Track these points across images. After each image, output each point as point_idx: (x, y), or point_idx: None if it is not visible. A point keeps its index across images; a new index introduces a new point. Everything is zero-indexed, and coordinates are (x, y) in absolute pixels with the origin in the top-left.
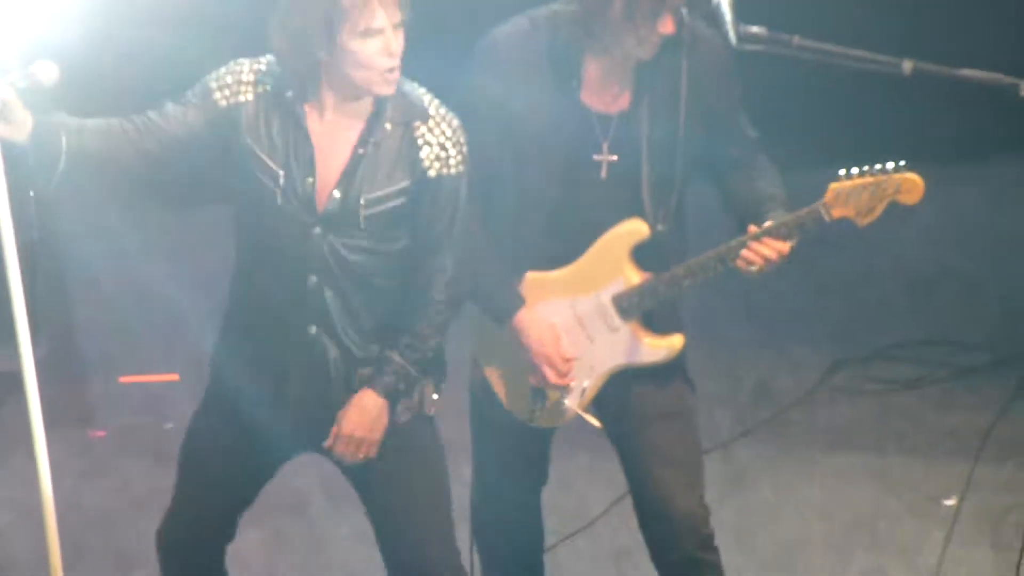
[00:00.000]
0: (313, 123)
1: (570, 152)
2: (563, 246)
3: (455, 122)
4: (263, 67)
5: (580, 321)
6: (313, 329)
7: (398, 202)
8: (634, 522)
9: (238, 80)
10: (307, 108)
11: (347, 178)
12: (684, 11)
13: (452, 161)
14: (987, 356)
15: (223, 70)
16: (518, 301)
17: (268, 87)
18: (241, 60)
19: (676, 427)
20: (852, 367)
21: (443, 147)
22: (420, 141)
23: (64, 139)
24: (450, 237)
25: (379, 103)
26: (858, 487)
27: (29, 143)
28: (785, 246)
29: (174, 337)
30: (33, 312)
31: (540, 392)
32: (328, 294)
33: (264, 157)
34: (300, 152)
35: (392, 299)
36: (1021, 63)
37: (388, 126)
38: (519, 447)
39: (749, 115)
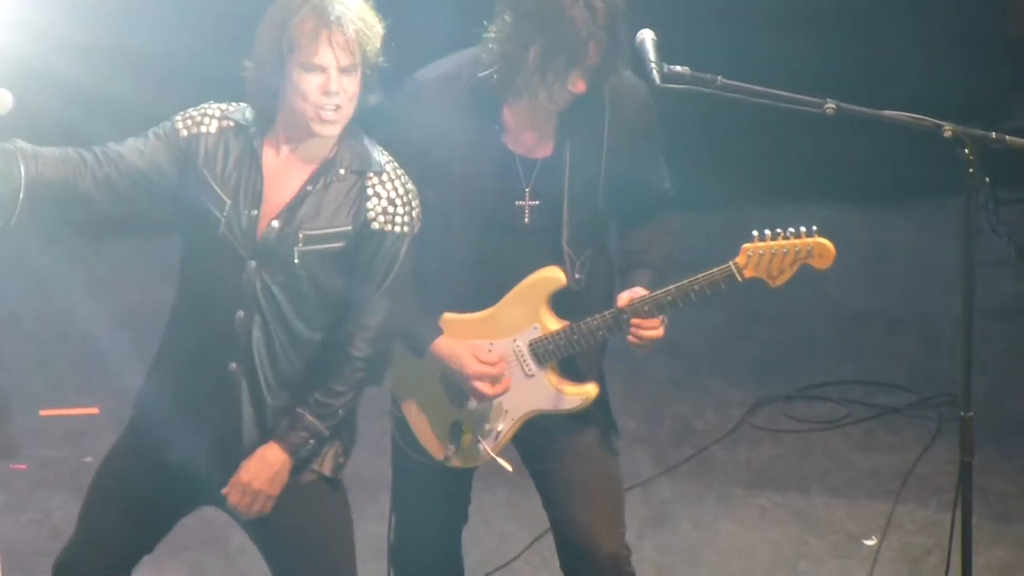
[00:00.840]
0: (268, 158)
1: (493, 196)
2: (483, 289)
3: (409, 185)
4: (232, 108)
5: None
6: (233, 366)
7: (336, 245)
8: (555, 560)
9: (203, 113)
10: (266, 144)
11: (289, 211)
12: (602, 66)
13: (398, 220)
14: (909, 396)
15: (191, 108)
16: (436, 331)
17: (231, 123)
18: (211, 102)
19: (596, 467)
20: (774, 405)
21: (392, 202)
22: (370, 191)
23: (23, 167)
24: (379, 296)
25: (337, 148)
26: (780, 526)
27: None
28: (659, 330)
29: (94, 371)
30: None
31: (457, 433)
32: (254, 332)
33: (215, 186)
34: (250, 184)
35: (313, 352)
36: (943, 104)
37: (342, 171)
38: (439, 486)
39: (671, 152)
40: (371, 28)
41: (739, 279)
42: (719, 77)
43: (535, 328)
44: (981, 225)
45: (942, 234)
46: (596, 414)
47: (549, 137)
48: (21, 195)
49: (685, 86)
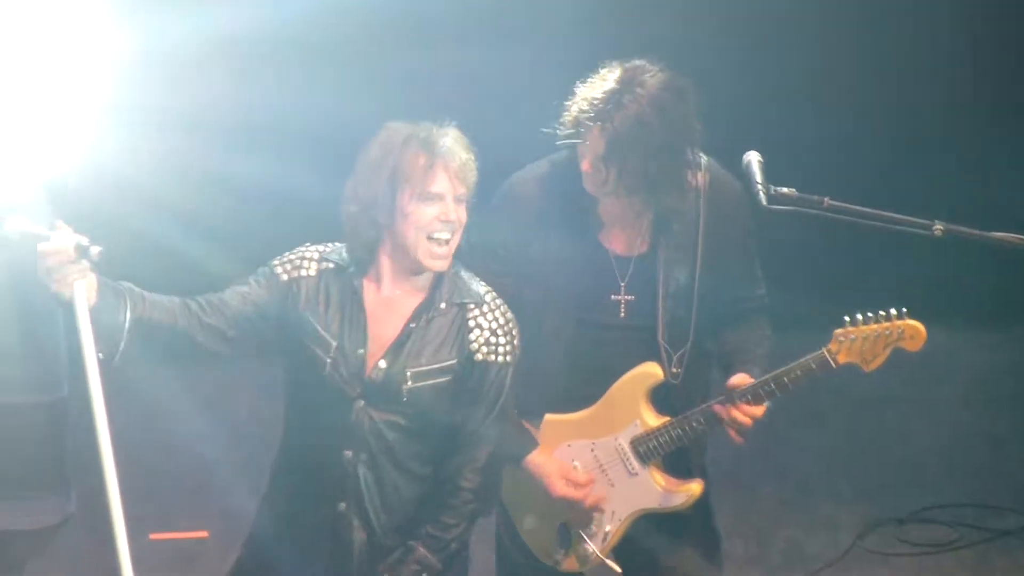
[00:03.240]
0: (370, 296)
1: (589, 292)
2: (582, 387)
3: (509, 314)
4: (328, 248)
5: (600, 465)
6: (343, 506)
7: (442, 379)
8: None
9: (301, 257)
10: (366, 282)
11: (395, 349)
12: (703, 158)
13: (501, 349)
14: (1021, 519)
15: (288, 252)
16: (532, 443)
17: (331, 264)
18: (308, 244)
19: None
20: (886, 528)
21: (494, 332)
22: (472, 323)
23: (129, 307)
24: (487, 427)
25: (437, 282)
26: None
27: (95, 304)
28: (758, 410)
29: (203, 493)
30: (63, 469)
31: (565, 536)
32: (362, 471)
33: (319, 327)
34: (354, 323)
35: (423, 486)
36: None
37: (443, 305)
38: None
39: (773, 269)
40: (472, 159)
41: (833, 365)
42: (826, 199)
43: (636, 425)
44: None
45: None
46: (701, 526)
47: (645, 235)
48: (125, 334)
49: (792, 207)
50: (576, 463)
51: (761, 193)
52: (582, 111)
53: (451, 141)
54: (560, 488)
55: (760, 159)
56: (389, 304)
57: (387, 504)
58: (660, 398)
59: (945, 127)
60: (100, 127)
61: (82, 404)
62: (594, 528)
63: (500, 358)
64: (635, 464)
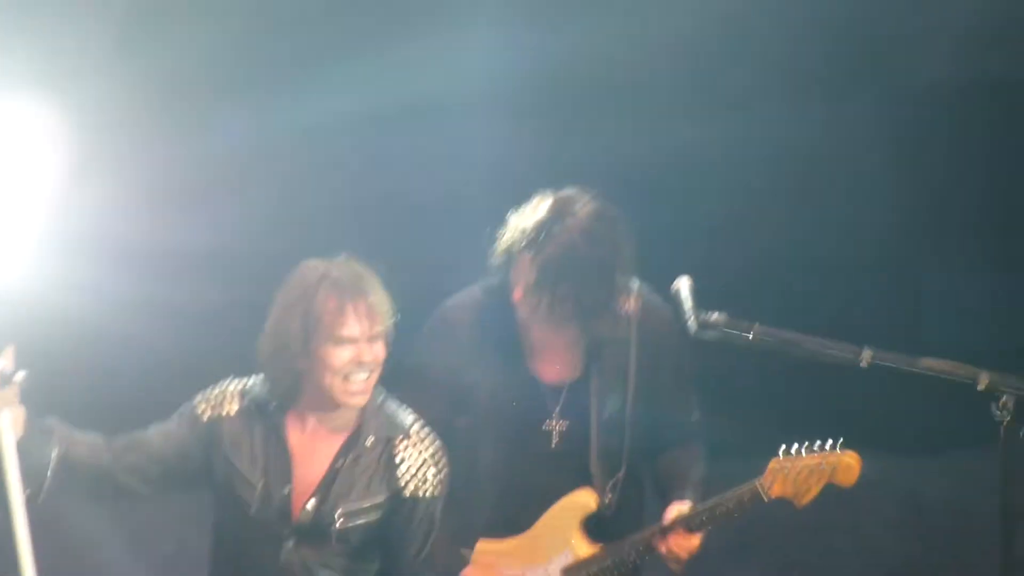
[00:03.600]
0: (294, 435)
1: (521, 422)
2: (513, 514)
3: (436, 443)
4: (250, 382)
5: None
6: None
7: (373, 517)
8: None
9: (223, 393)
10: (289, 420)
11: (323, 490)
12: (635, 285)
13: (429, 483)
14: None
15: (210, 388)
16: (461, 564)
17: (252, 400)
18: (232, 377)
19: None
20: None
21: (421, 466)
22: (399, 458)
23: (55, 446)
24: (419, 565)
25: (362, 416)
26: None
27: (21, 438)
28: (694, 541)
29: None
30: None
31: None
32: None
33: (242, 469)
34: (278, 463)
35: None
36: (981, 354)
37: (369, 441)
38: None
39: (708, 393)
40: (384, 296)
41: (765, 499)
42: (756, 324)
43: (567, 554)
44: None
45: (980, 485)
46: None
47: (577, 362)
48: (50, 472)
49: (721, 334)
50: None
51: (690, 320)
52: (514, 240)
53: (362, 280)
54: None
55: (690, 285)
56: (314, 442)
57: None
58: (593, 526)
59: (879, 252)
60: (30, 255)
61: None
62: None
63: (428, 492)
64: None
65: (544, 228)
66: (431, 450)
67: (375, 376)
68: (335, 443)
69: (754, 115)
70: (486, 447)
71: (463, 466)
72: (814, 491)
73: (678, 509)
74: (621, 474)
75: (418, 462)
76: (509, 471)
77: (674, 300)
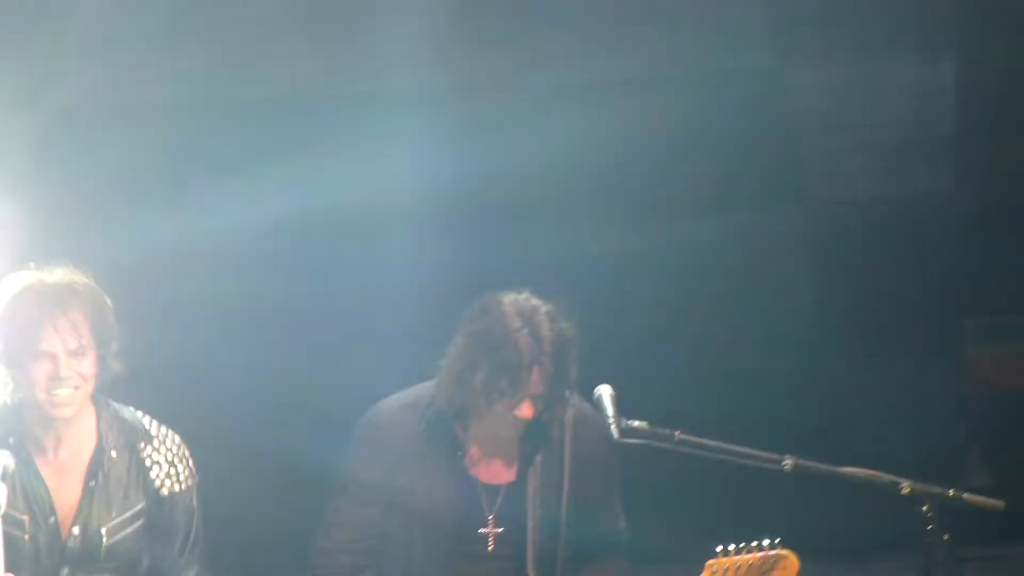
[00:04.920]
0: (44, 466)
1: (457, 524)
2: None
3: (177, 438)
4: None
5: None
6: None
7: (137, 524)
8: None
9: None
10: (32, 450)
11: (83, 512)
12: (548, 394)
13: (181, 477)
14: None
15: None
16: None
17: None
18: None
19: None
20: None
21: (171, 464)
22: (148, 462)
23: None
24: (193, 551)
25: (100, 433)
26: None
27: None
28: None
29: None
30: None
31: None
32: None
33: (9, 510)
34: (37, 495)
35: None
36: (903, 462)
37: (114, 453)
38: None
39: (637, 500)
40: (99, 305)
41: None
42: (677, 432)
43: None
44: None
45: None
46: None
47: (512, 463)
48: None
49: (643, 440)
50: None
51: (612, 427)
52: (501, 361)
53: (70, 292)
54: None
55: (612, 392)
56: (63, 467)
57: None
58: None
59: (799, 361)
60: None
61: None
62: None
63: (183, 485)
64: None
65: (538, 340)
66: (175, 447)
67: (85, 390)
68: (82, 463)
69: (677, 224)
70: (422, 550)
71: (400, 570)
72: None
73: None
74: None
75: (168, 461)
76: (445, 574)
77: (596, 406)
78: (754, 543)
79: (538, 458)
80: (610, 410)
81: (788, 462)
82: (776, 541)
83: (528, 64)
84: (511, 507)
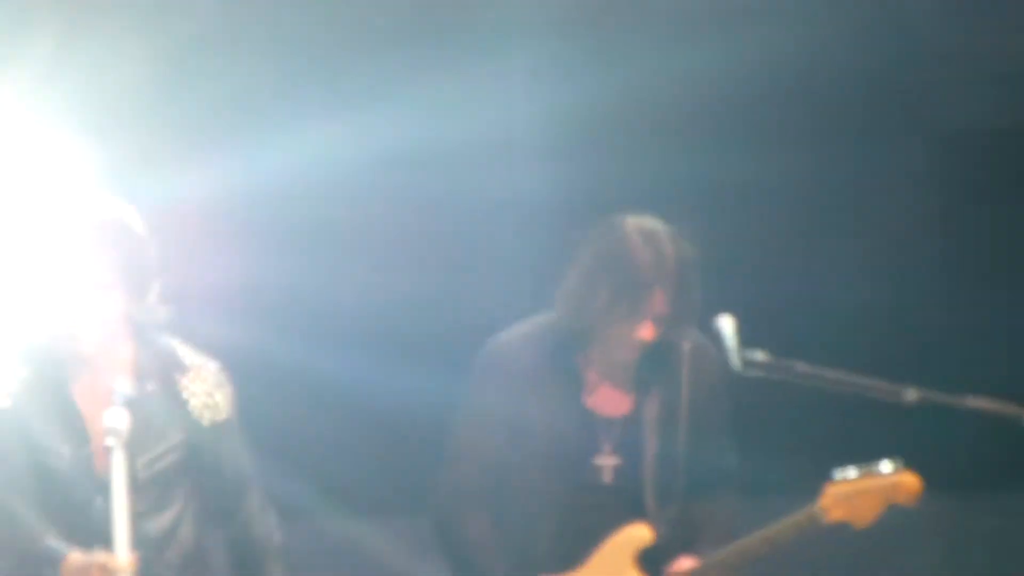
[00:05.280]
0: (80, 393)
1: (573, 456)
2: (569, 550)
3: (214, 366)
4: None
5: None
6: None
7: (175, 457)
8: None
9: None
10: (74, 385)
11: None
12: (669, 315)
13: (221, 405)
14: None
15: None
16: None
17: (27, 373)
18: None
19: None
20: None
21: (209, 395)
22: (185, 394)
23: None
24: (249, 475)
25: (138, 363)
26: None
27: None
28: None
29: None
30: None
31: None
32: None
33: (45, 444)
34: (73, 427)
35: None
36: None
37: (150, 386)
38: None
39: (745, 433)
40: (132, 243)
41: (824, 522)
42: (798, 363)
43: None
44: None
45: None
46: None
47: (629, 393)
48: None
49: (764, 373)
50: None
51: (734, 358)
52: (624, 283)
53: (96, 228)
54: None
55: (733, 323)
56: (98, 397)
57: None
58: (648, 560)
59: (923, 290)
60: None
61: None
62: None
63: (224, 414)
64: None
65: (660, 261)
66: (213, 376)
67: (108, 326)
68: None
69: (800, 149)
70: (540, 483)
71: (518, 501)
72: (874, 513)
73: (687, 563)
74: (676, 508)
75: (206, 392)
76: (563, 506)
77: (717, 338)
78: (874, 467)
79: (655, 389)
80: (731, 341)
81: (911, 394)
82: (896, 465)
83: None
84: (628, 438)
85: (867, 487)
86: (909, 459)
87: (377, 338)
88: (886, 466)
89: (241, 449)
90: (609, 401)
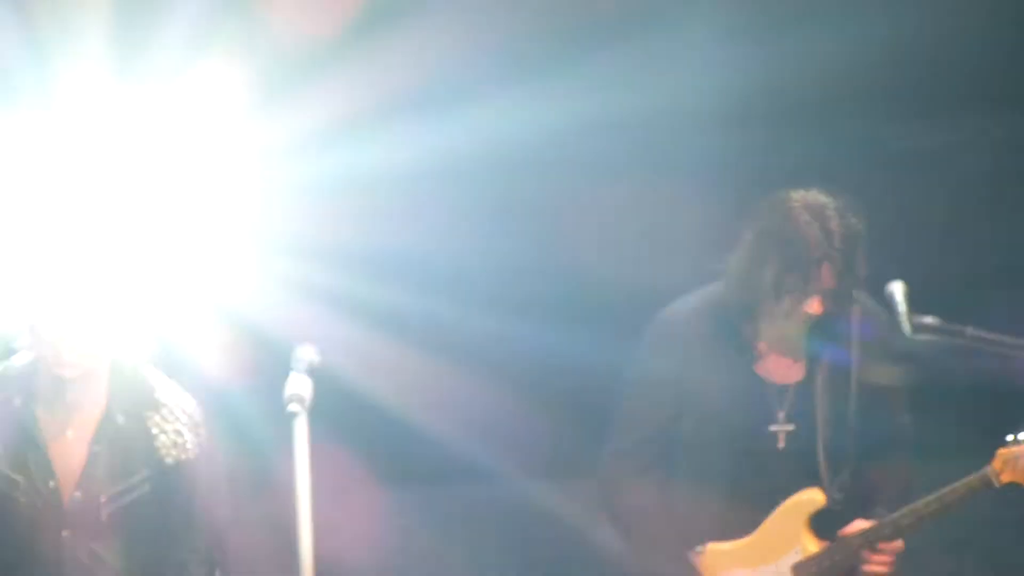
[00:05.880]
0: (45, 424)
1: (747, 423)
2: (741, 515)
3: (189, 404)
4: None
5: None
6: None
7: (139, 493)
8: None
9: None
10: (40, 416)
11: (86, 478)
12: (837, 289)
13: (189, 445)
14: None
15: None
16: (691, 567)
17: None
18: None
19: None
20: None
21: (178, 433)
22: (155, 431)
23: None
24: (201, 517)
25: (110, 396)
26: None
27: None
28: (897, 546)
29: None
30: None
31: None
32: None
33: (3, 469)
34: (36, 458)
35: None
36: None
37: (121, 420)
38: None
39: (920, 398)
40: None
41: (996, 484)
42: (968, 328)
43: (796, 552)
44: None
45: None
46: None
47: (799, 360)
48: None
49: (935, 336)
50: None
51: (905, 322)
52: (793, 258)
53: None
54: None
55: (904, 289)
56: (66, 429)
57: None
58: (820, 524)
59: None
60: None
61: None
62: None
63: (190, 454)
64: None
65: (828, 236)
66: (185, 415)
67: (91, 354)
68: (88, 428)
69: (967, 121)
70: (712, 451)
71: (689, 470)
72: None
73: (861, 524)
74: (849, 472)
75: (174, 431)
76: (735, 472)
77: (888, 303)
78: None
79: (825, 355)
80: (902, 306)
81: None
82: None
83: None
84: (801, 405)
85: None
86: None
87: (556, 305)
88: None
89: (199, 491)
90: (780, 369)
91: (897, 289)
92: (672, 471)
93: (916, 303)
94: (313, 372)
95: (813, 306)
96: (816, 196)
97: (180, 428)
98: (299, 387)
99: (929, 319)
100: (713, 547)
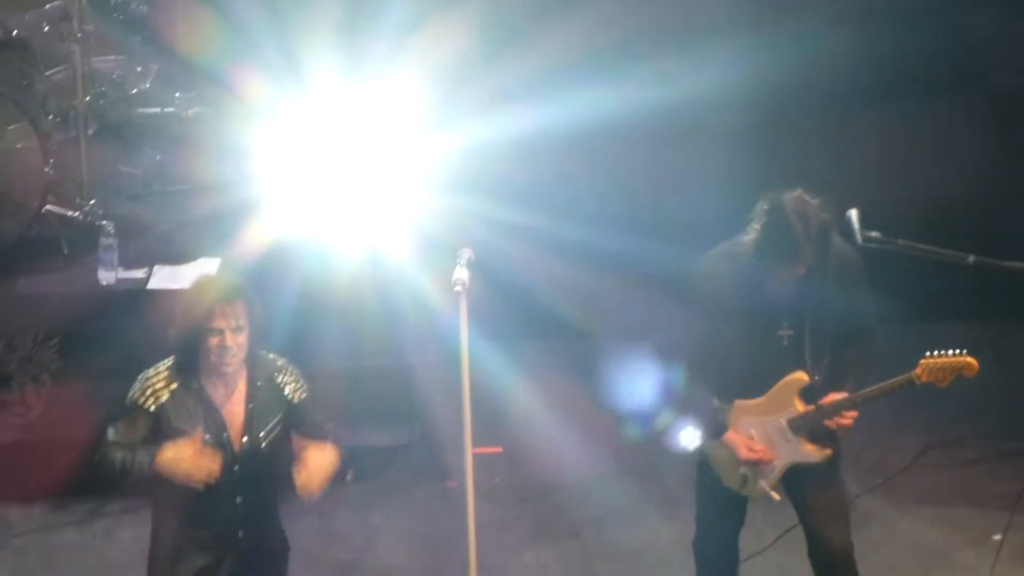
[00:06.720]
0: (216, 394)
1: (765, 328)
2: (757, 383)
3: (296, 370)
4: (165, 371)
5: (768, 435)
6: (240, 533)
7: (279, 428)
8: (797, 549)
9: (154, 389)
10: (205, 384)
11: (248, 426)
12: (814, 265)
13: (303, 388)
14: None
15: (138, 386)
16: (725, 427)
17: (176, 384)
18: (148, 372)
19: (832, 496)
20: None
21: (296, 382)
22: (281, 384)
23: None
24: (328, 423)
25: (250, 370)
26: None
27: None
28: (855, 413)
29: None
30: (410, 410)
31: (745, 476)
32: (242, 512)
33: (188, 429)
34: (213, 418)
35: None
36: None
37: (259, 383)
38: (729, 503)
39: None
40: (250, 298)
41: (918, 383)
42: (899, 240)
43: (791, 411)
44: None
45: None
46: (829, 469)
47: (797, 288)
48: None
49: (878, 245)
50: (752, 432)
51: (858, 236)
52: (788, 243)
53: (232, 289)
54: (744, 453)
55: (858, 213)
56: (227, 395)
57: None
58: (807, 394)
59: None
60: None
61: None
62: (763, 472)
63: (305, 394)
64: (790, 434)
65: (805, 231)
66: (294, 372)
67: (240, 355)
68: (241, 392)
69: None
70: (741, 342)
71: (728, 354)
72: (948, 380)
73: (834, 397)
74: (827, 360)
75: (292, 381)
76: (754, 357)
77: (847, 223)
78: (950, 351)
79: (815, 282)
80: (856, 224)
81: (971, 257)
82: (963, 351)
83: None
84: (796, 318)
85: (947, 363)
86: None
87: (668, 231)
88: (956, 351)
89: (319, 411)
90: (784, 295)
91: (853, 213)
92: (714, 355)
93: (866, 223)
94: (471, 265)
95: (799, 270)
96: (799, 196)
97: (298, 380)
98: (461, 274)
99: (874, 233)
100: (739, 404)
